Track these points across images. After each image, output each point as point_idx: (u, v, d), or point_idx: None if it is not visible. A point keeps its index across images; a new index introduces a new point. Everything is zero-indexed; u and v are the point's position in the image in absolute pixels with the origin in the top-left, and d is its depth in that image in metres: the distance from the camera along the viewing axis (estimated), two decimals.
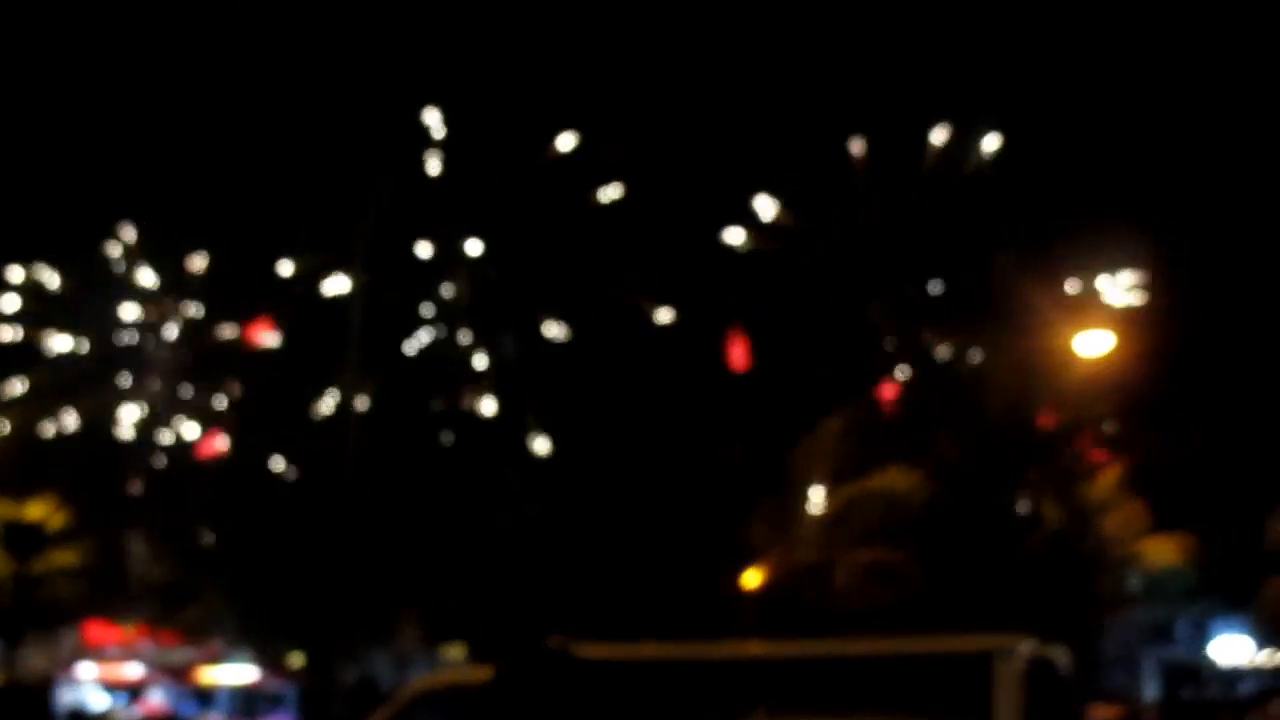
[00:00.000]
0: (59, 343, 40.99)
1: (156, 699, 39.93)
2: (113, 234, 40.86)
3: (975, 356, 31.99)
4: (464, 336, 40.43)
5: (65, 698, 36.30)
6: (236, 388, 40.42)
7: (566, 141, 38.87)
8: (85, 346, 41.23)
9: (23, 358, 40.90)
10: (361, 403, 36.00)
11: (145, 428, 40.67)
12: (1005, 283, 30.87)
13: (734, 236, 37.25)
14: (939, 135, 35.56)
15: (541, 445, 39.10)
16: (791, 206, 36.17)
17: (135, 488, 40.64)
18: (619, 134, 37.66)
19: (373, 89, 36.49)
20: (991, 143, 35.10)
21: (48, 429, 40.05)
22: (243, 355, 40.47)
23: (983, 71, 33.76)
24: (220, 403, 40.46)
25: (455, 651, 39.63)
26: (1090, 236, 31.40)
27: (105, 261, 41.01)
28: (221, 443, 40.05)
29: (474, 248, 40.12)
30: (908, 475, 29.52)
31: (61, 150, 37.40)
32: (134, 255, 41.13)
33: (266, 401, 39.63)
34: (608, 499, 36.10)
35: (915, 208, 34.52)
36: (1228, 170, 33.08)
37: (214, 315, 41.17)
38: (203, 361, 40.86)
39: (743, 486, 32.70)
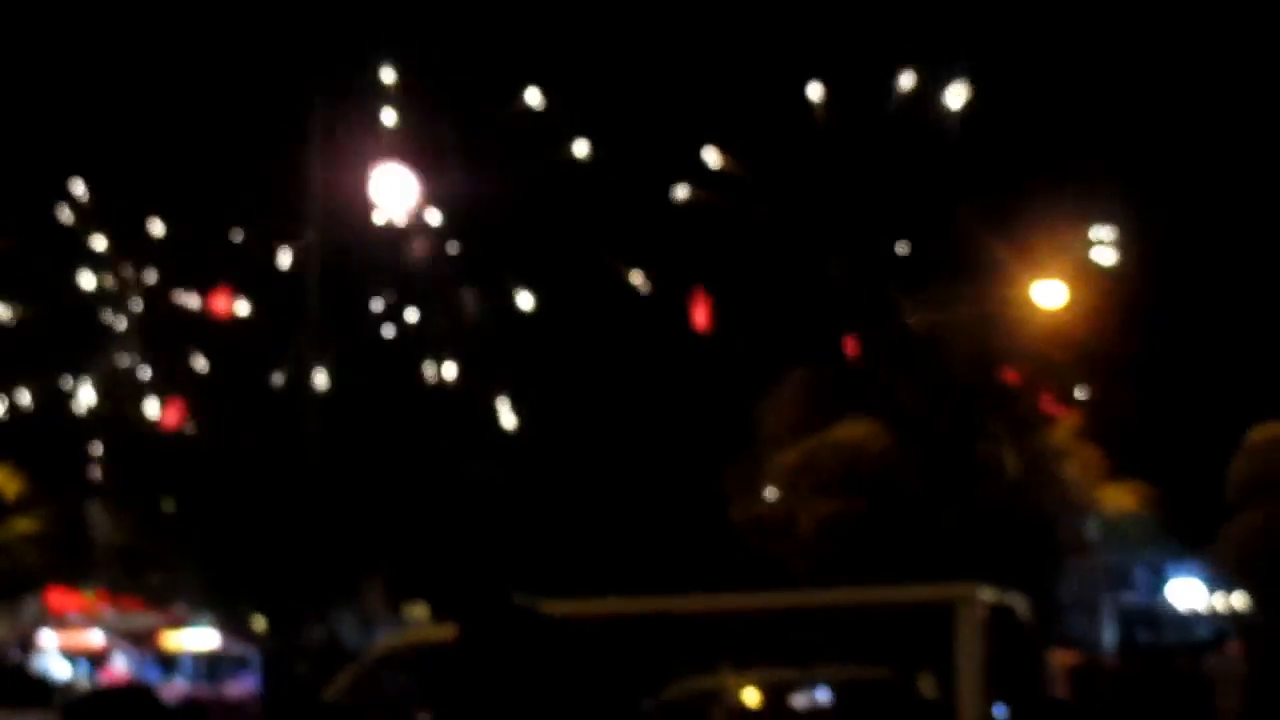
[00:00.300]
0: (5, 310, 40.47)
1: (119, 666, 39.84)
2: (63, 195, 40.33)
3: (936, 308, 32.08)
4: (423, 304, 40.20)
5: (29, 665, 36.18)
6: (198, 357, 40.06)
7: (530, 96, 38.37)
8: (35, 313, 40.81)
9: None
10: (320, 374, 36.02)
11: (105, 399, 40.30)
12: (967, 235, 30.99)
13: (681, 191, 37.03)
14: (904, 81, 35.38)
15: (507, 413, 38.97)
16: (742, 157, 36.01)
17: (94, 455, 40.40)
18: (573, 87, 37.41)
19: (327, 43, 36.12)
20: (957, 92, 34.97)
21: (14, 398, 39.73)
22: (204, 324, 40.15)
23: (950, 16, 33.68)
24: (181, 372, 40.08)
25: (419, 611, 39.71)
26: (1055, 190, 31.49)
27: (55, 225, 40.50)
28: (180, 413, 39.79)
29: (434, 217, 39.82)
30: (867, 425, 29.67)
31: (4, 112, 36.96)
32: (87, 219, 40.65)
33: (228, 370, 39.38)
34: (574, 458, 36.17)
35: (876, 158, 34.44)
36: (1201, 127, 33.19)
37: (170, 282, 40.79)
38: (163, 330, 40.48)
39: (711, 442, 32.80)
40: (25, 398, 39.61)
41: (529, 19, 36.33)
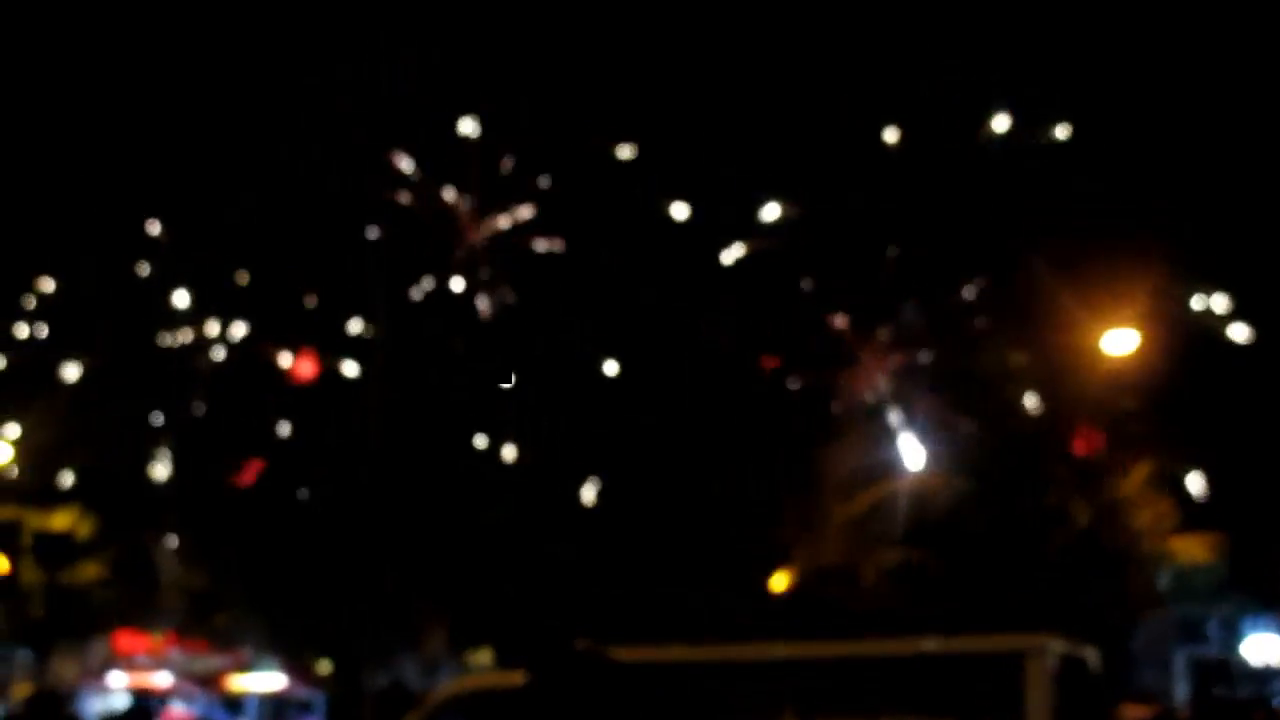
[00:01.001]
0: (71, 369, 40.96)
1: (185, 707, 40.06)
2: (142, 243, 40.77)
3: (1003, 354, 31.86)
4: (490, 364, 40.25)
5: (95, 706, 36.43)
6: (278, 417, 40.28)
7: (625, 149, 38.27)
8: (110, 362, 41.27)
9: (49, 371, 40.94)
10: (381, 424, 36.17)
11: (181, 457, 40.61)
12: (1036, 280, 30.78)
13: (737, 249, 36.98)
14: (998, 124, 35.15)
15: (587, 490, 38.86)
16: (808, 200, 35.92)
17: (165, 501, 40.74)
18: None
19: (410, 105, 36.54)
20: (1051, 132, 34.66)
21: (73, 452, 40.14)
22: (282, 381, 40.38)
23: (1007, 59, 33.52)
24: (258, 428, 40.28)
25: (482, 656, 39.66)
26: (1120, 238, 31.24)
27: (135, 276, 40.94)
28: (256, 470, 39.99)
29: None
30: (934, 474, 29.46)
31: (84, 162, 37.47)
32: (168, 272, 41.04)
33: (304, 427, 39.62)
34: (636, 504, 36.10)
35: (943, 206, 34.30)
36: (1264, 172, 32.85)
37: (255, 338, 41.07)
38: (242, 384, 40.72)
39: (773, 489, 32.66)
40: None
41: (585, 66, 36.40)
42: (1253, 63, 32.20)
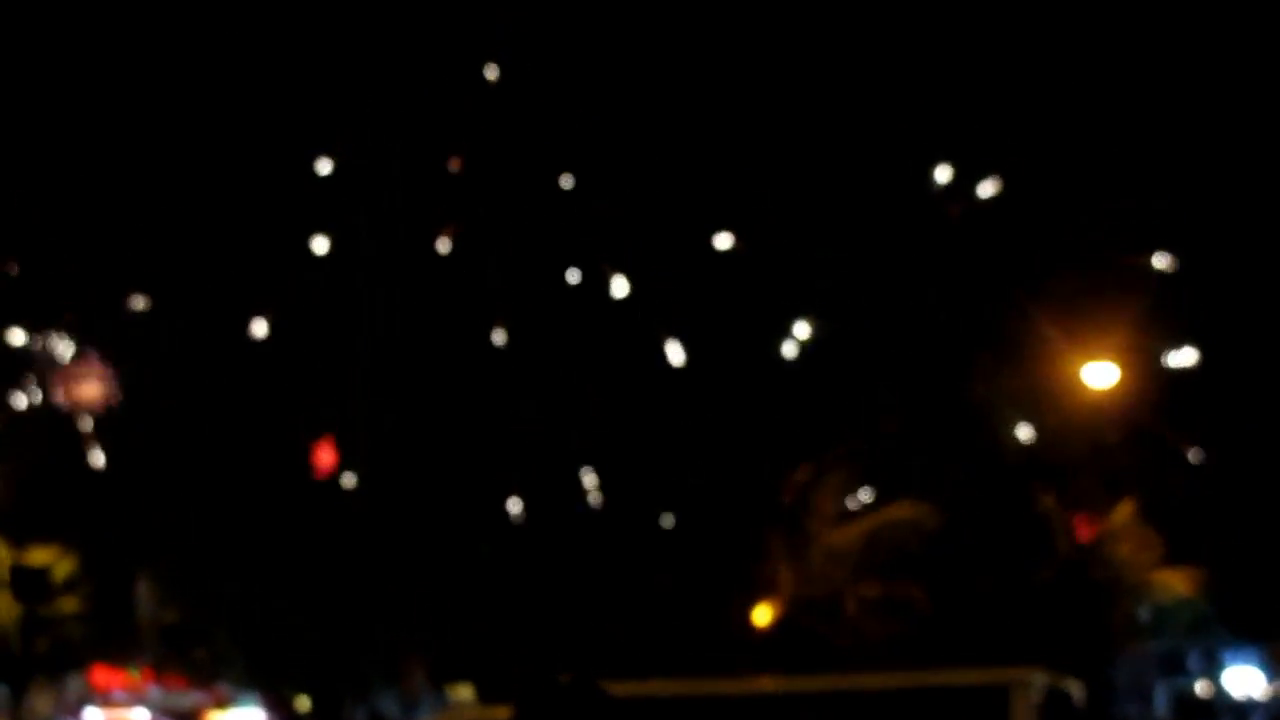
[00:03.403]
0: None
1: None
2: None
3: (985, 385, 31.93)
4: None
5: None
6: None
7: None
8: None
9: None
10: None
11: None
12: (1015, 314, 30.88)
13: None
14: (941, 175, 35.51)
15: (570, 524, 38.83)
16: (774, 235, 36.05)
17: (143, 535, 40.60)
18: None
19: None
20: (989, 186, 35.05)
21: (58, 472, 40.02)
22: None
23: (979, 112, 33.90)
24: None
25: (463, 691, 39.49)
26: (1100, 267, 31.39)
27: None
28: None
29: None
30: (916, 506, 29.45)
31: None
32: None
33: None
34: (619, 535, 36.05)
35: (921, 245, 34.47)
36: (1241, 202, 33.08)
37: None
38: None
39: (753, 521, 32.63)
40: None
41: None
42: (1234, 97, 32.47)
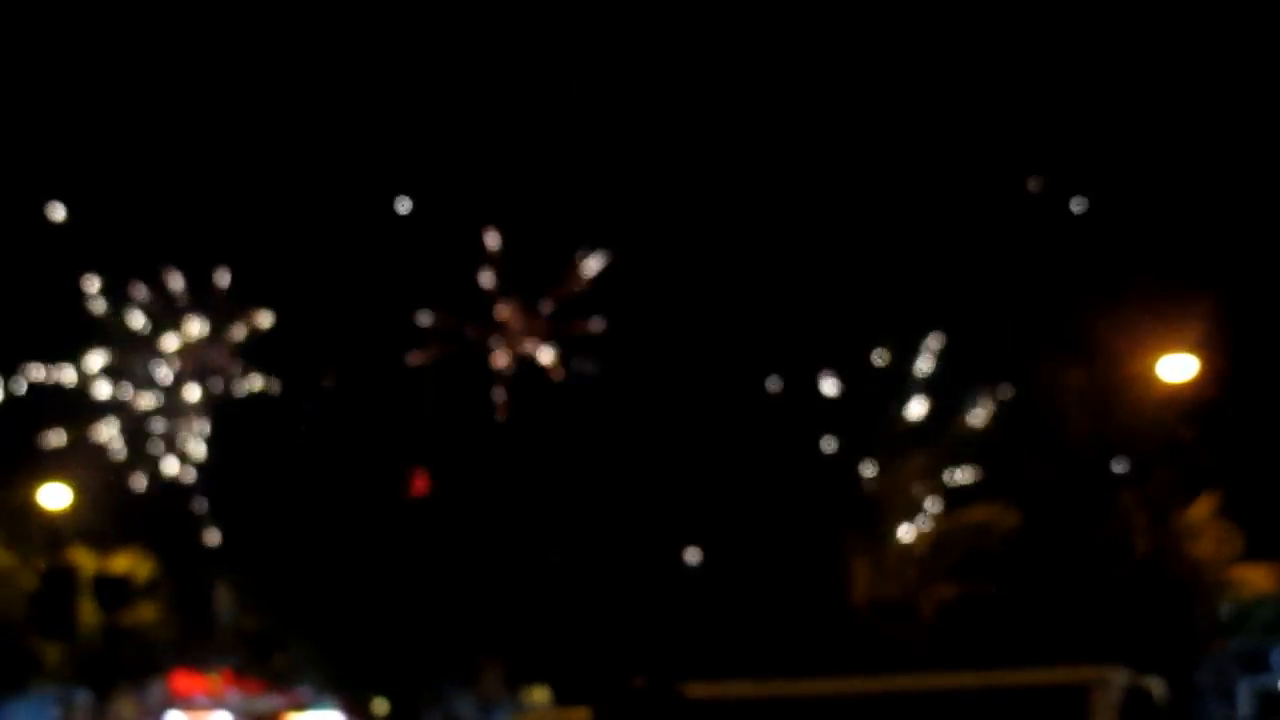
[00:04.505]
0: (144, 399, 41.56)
1: None
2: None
3: (1058, 381, 31.64)
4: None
5: None
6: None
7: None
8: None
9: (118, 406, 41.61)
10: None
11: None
12: (1091, 307, 30.57)
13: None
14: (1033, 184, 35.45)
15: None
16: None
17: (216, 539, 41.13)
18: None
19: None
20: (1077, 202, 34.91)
21: (138, 481, 40.66)
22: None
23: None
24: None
25: (539, 694, 39.59)
26: (1172, 261, 31.07)
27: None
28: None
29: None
30: (994, 506, 29.24)
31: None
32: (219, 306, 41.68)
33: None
34: (690, 538, 36.03)
35: (1004, 237, 34.23)
36: None
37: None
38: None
39: (832, 522, 32.55)
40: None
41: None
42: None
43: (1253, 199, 32.72)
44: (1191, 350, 28.68)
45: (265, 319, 41.50)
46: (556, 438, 39.55)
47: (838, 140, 35.46)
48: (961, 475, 31.00)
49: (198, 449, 41.85)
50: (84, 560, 34.70)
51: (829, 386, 36.88)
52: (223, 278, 40.96)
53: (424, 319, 40.64)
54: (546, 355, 40.55)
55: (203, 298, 41.45)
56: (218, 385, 42.20)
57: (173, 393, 42.06)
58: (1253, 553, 31.68)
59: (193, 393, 42.08)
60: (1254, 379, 31.15)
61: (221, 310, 41.66)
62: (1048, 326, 33.22)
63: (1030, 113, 34.27)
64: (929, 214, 35.20)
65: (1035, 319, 34.35)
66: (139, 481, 40.86)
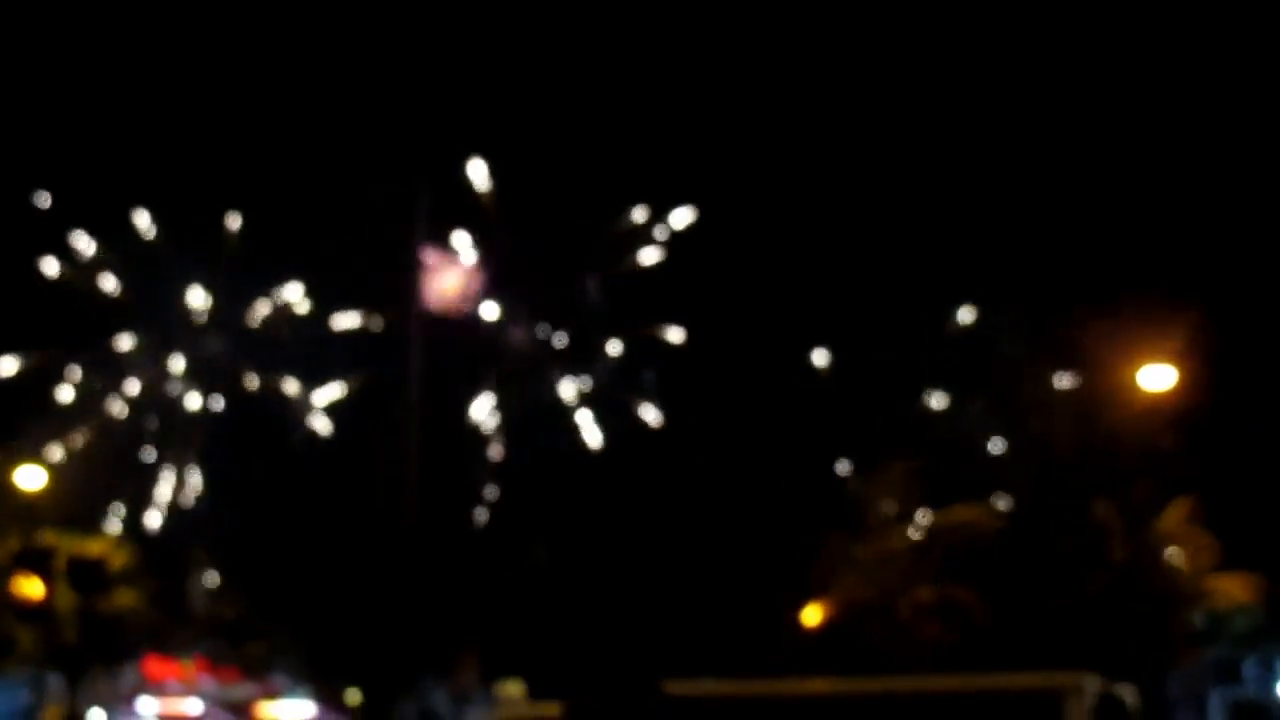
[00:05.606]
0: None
1: None
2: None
3: (1040, 389, 31.74)
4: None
5: None
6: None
7: None
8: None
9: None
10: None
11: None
12: (1073, 316, 30.67)
13: None
14: None
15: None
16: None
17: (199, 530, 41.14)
18: None
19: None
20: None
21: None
22: None
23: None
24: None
25: (514, 687, 39.56)
26: (1153, 271, 31.18)
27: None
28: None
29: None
30: (971, 511, 29.30)
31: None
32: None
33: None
34: (669, 536, 36.03)
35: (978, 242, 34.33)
36: None
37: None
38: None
39: (807, 522, 32.57)
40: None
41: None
42: None
43: (1234, 211, 32.85)
44: (1171, 360, 28.79)
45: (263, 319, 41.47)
46: (539, 435, 39.66)
47: (839, 142, 35.55)
48: (944, 478, 31.00)
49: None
50: (60, 543, 34.62)
51: (810, 386, 36.97)
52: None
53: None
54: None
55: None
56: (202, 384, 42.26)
57: (154, 387, 42.11)
58: (1230, 562, 31.78)
59: (175, 389, 42.10)
60: (1233, 389, 31.25)
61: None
62: (1033, 334, 33.35)
63: (1024, 124, 34.45)
64: (921, 221, 35.34)
65: (1021, 326, 34.48)
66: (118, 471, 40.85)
